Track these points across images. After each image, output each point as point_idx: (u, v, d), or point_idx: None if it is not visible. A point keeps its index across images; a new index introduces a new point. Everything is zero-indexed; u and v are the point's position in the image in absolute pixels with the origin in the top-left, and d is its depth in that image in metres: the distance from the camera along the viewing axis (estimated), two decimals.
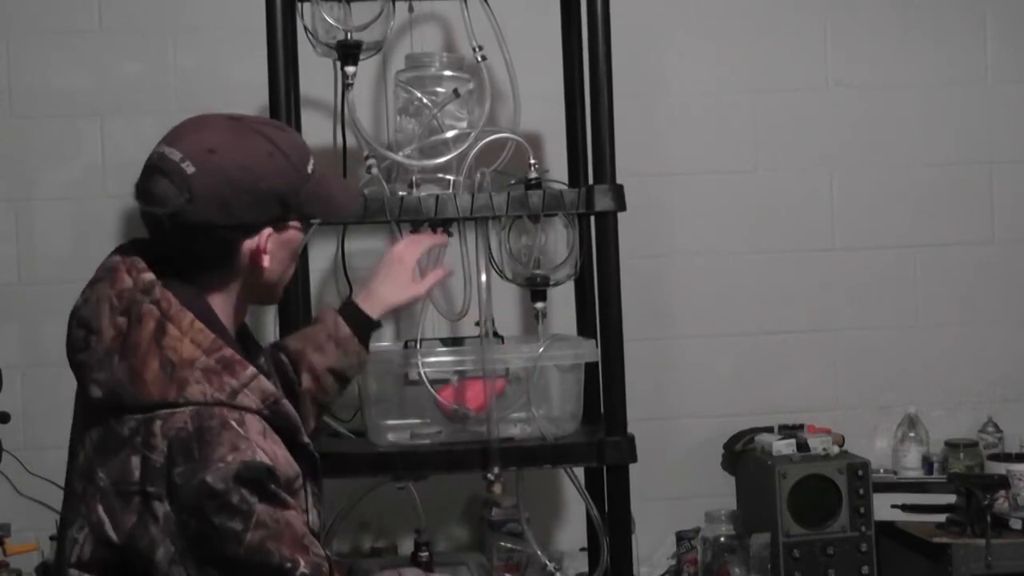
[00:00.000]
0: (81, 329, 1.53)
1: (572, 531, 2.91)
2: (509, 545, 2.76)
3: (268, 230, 1.56)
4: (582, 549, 2.67)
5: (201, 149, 1.51)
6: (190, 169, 1.50)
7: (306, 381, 1.91)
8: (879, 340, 3.15)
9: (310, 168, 1.61)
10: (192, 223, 1.51)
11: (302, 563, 1.47)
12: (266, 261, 1.57)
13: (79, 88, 2.96)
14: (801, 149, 3.14)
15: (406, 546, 2.72)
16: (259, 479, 1.45)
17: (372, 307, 1.95)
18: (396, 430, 2.26)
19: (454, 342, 2.37)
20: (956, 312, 3.16)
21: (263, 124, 1.60)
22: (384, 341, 2.94)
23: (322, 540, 1.64)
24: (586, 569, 2.60)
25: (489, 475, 2.18)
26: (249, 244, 1.55)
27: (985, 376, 3.15)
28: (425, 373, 2.19)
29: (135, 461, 1.45)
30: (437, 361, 2.22)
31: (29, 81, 2.96)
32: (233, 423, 1.46)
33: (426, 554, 2.44)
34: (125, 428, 1.47)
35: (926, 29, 3.17)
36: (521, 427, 2.25)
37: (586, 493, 2.39)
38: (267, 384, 1.52)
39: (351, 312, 1.94)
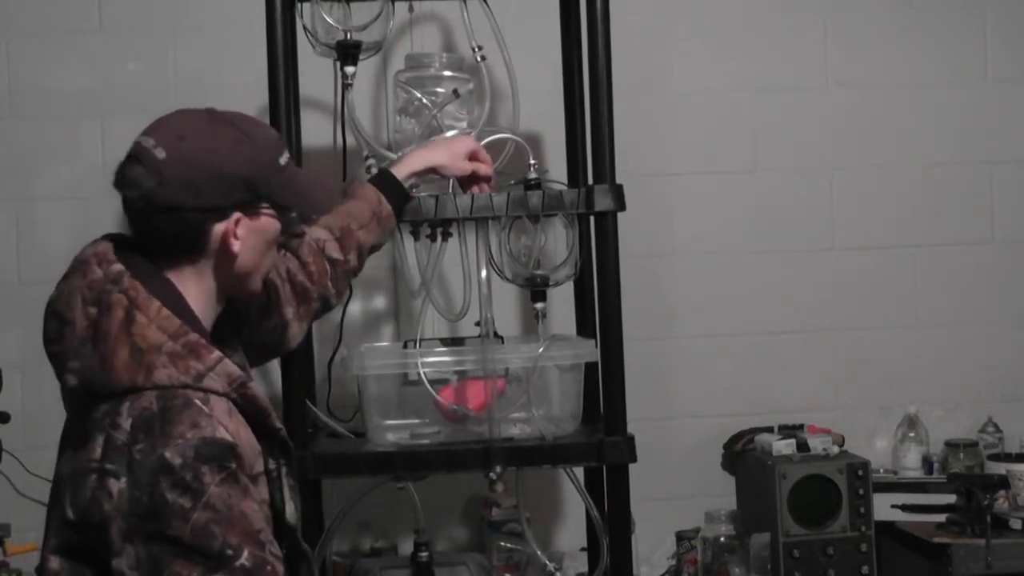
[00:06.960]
0: (55, 321, 1.56)
1: (572, 531, 2.91)
2: (509, 545, 2.76)
3: (238, 214, 1.58)
4: (582, 549, 2.66)
5: (172, 136, 1.57)
6: (161, 155, 1.55)
7: (353, 260, 1.99)
8: (879, 340, 3.15)
9: (283, 160, 1.64)
10: (163, 205, 1.55)
11: (245, 553, 1.43)
12: (236, 246, 1.59)
13: (79, 88, 2.96)
14: (801, 149, 3.14)
15: (406, 546, 2.72)
16: (219, 456, 1.45)
17: (406, 165, 2.06)
18: (395, 430, 2.26)
19: (453, 342, 2.37)
20: (956, 312, 3.16)
21: (237, 116, 1.64)
22: (384, 341, 2.96)
23: (299, 535, 1.63)
24: (586, 569, 2.60)
25: (491, 474, 2.17)
26: (219, 227, 1.58)
27: (985, 376, 3.15)
28: (424, 373, 2.19)
29: (99, 440, 1.48)
30: (436, 361, 2.22)
31: (29, 81, 2.96)
32: (197, 402, 1.48)
33: (426, 554, 2.44)
34: (98, 413, 1.50)
35: (926, 29, 3.16)
36: (521, 427, 2.25)
37: (586, 493, 2.39)
38: (233, 368, 1.53)
39: (389, 186, 2.04)
